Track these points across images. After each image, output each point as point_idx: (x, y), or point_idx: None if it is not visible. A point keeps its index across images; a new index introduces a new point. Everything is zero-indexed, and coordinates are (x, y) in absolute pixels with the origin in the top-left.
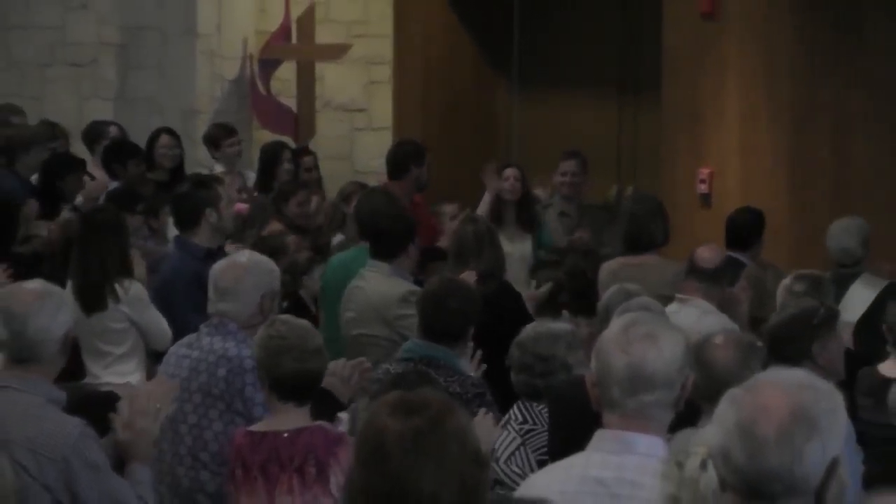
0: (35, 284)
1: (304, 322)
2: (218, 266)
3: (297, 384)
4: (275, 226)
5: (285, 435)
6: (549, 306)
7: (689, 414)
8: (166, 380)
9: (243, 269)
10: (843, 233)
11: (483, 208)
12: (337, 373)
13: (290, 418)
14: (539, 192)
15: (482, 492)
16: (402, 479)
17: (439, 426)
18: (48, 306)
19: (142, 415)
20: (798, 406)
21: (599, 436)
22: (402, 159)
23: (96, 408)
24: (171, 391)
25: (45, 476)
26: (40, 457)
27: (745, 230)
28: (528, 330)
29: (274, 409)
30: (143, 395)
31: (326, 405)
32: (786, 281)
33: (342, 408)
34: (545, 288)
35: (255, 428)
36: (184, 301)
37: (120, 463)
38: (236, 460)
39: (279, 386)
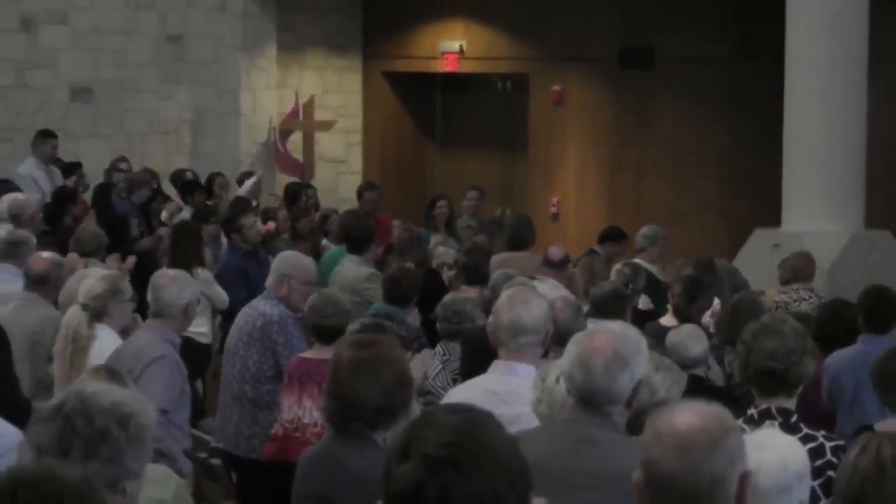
0: (176, 271)
1: (332, 294)
2: None
3: (317, 331)
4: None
5: (316, 361)
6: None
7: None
8: None
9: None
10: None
11: None
12: None
13: (322, 352)
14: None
15: (399, 398)
16: (345, 390)
17: (378, 357)
18: (176, 285)
19: None
20: (617, 348)
21: (494, 364)
22: (357, 195)
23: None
24: None
25: (135, 372)
26: (138, 363)
27: (612, 236)
28: (448, 296)
29: (315, 346)
30: None
31: None
32: (617, 266)
33: None
34: (452, 272)
35: (302, 354)
36: (231, 281)
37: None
38: (287, 374)
39: (312, 331)
